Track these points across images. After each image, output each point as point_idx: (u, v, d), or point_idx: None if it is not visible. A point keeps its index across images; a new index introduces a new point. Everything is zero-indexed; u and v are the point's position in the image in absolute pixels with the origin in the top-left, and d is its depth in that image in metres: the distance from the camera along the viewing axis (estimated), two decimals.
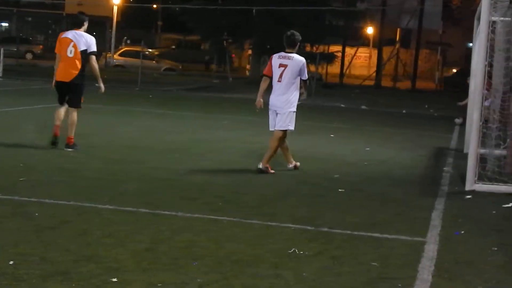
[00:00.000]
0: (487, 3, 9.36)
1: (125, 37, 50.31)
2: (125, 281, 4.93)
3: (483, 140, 9.98)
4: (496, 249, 6.52)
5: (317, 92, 26.48)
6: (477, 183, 9.41)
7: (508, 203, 8.60)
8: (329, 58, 37.70)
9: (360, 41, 49.54)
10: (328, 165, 10.91)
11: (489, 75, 10.06)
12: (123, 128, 14.02)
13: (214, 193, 8.14)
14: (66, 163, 9.51)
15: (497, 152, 10.53)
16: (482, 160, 9.94)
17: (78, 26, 10.69)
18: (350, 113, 22.06)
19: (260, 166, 9.65)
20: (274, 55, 9.95)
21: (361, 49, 49.20)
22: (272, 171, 9.70)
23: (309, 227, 6.82)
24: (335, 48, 41.74)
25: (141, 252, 5.66)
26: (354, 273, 5.46)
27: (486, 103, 10.78)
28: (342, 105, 24.61)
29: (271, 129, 9.93)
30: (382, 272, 5.55)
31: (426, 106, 26.18)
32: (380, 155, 12.42)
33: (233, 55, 43.84)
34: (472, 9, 29.32)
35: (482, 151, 10.04)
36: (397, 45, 43.54)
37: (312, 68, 31.37)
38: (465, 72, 27.17)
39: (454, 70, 46.55)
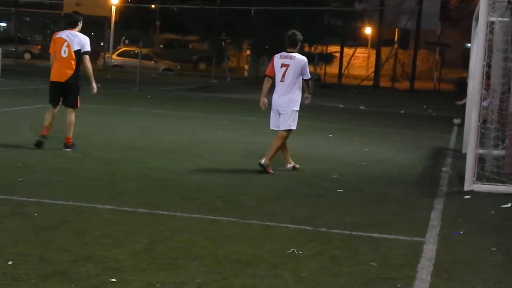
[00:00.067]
0: (485, 3, 9.36)
1: (124, 37, 50.24)
2: (124, 281, 4.93)
3: (482, 141, 9.99)
4: (495, 249, 6.52)
5: (315, 92, 26.31)
6: (475, 183, 9.41)
7: (507, 203, 8.60)
8: (328, 58, 37.69)
9: (358, 41, 49.43)
10: (327, 165, 10.91)
11: (487, 76, 10.07)
12: (121, 128, 14.01)
13: (213, 193, 8.15)
14: (64, 163, 9.51)
15: (496, 152, 10.54)
16: (481, 160, 9.95)
17: (72, 26, 10.67)
18: (348, 113, 22.05)
19: (262, 161, 9.66)
20: (276, 55, 9.97)
21: (359, 50, 49.12)
22: (271, 171, 9.71)
23: (308, 227, 6.82)
24: (334, 49, 41.73)
25: (140, 252, 5.66)
26: (353, 273, 5.46)
27: (485, 104, 10.80)
28: (341, 105, 24.60)
29: (271, 127, 9.97)
30: (381, 272, 5.55)
31: (425, 106, 26.16)
32: (379, 155, 12.42)
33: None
34: (470, 10, 29.40)
35: (481, 151, 10.05)
36: (395, 46, 43.48)
37: (311, 68, 31.27)
38: None
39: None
